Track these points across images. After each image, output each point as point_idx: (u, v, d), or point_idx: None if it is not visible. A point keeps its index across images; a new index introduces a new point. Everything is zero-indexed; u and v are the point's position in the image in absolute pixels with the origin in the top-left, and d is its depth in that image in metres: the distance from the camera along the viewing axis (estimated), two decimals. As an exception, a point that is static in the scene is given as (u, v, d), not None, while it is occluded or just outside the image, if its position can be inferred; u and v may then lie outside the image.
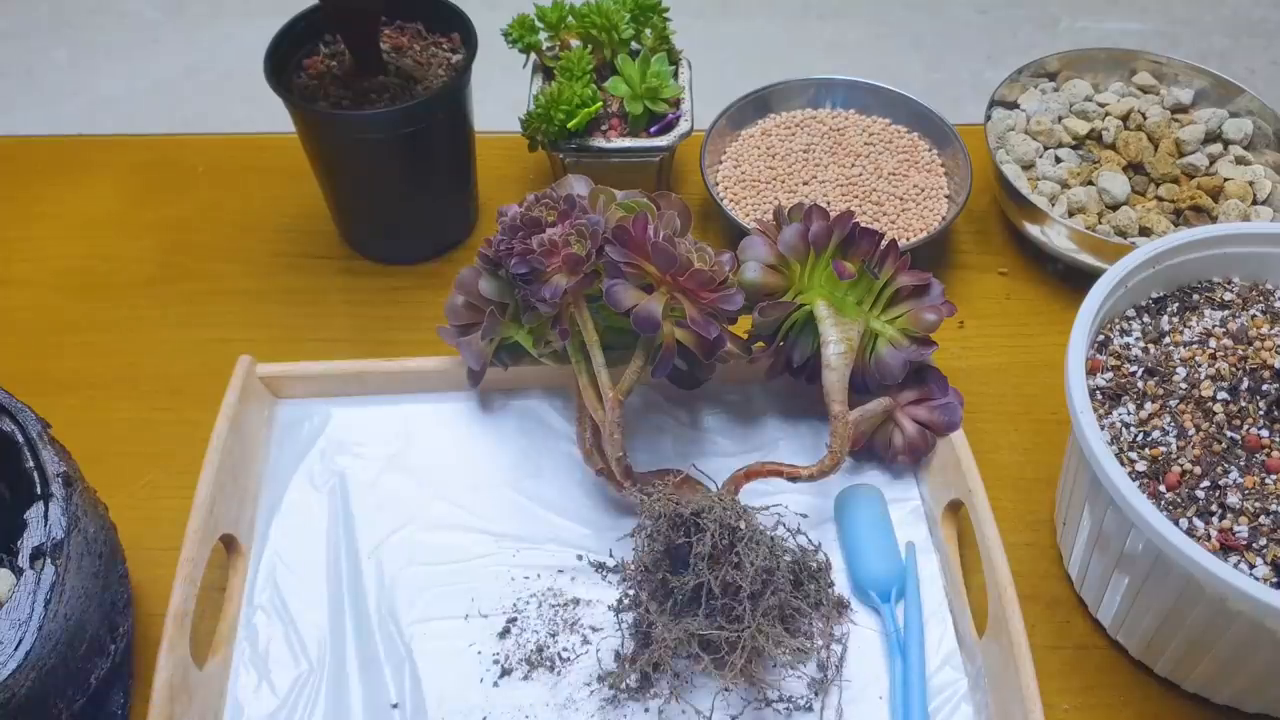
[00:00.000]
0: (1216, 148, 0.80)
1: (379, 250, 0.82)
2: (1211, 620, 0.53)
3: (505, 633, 0.61)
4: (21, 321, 0.79)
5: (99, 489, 0.59)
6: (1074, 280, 0.77)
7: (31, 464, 0.54)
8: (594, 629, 0.61)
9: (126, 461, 0.69)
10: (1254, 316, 0.61)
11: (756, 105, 0.86)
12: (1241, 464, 0.55)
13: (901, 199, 0.80)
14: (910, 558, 0.63)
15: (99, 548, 0.55)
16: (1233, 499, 0.54)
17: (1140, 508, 0.52)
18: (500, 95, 0.93)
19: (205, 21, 2.01)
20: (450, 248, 0.83)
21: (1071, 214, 0.78)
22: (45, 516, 0.52)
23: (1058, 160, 0.81)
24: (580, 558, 0.63)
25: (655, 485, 0.60)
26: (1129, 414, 0.58)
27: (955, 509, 0.64)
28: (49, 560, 0.50)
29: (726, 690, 0.57)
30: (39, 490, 0.53)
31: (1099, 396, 0.59)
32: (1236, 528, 0.53)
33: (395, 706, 0.58)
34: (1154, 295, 0.64)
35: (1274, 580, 0.52)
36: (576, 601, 0.62)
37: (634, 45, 0.83)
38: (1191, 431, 0.56)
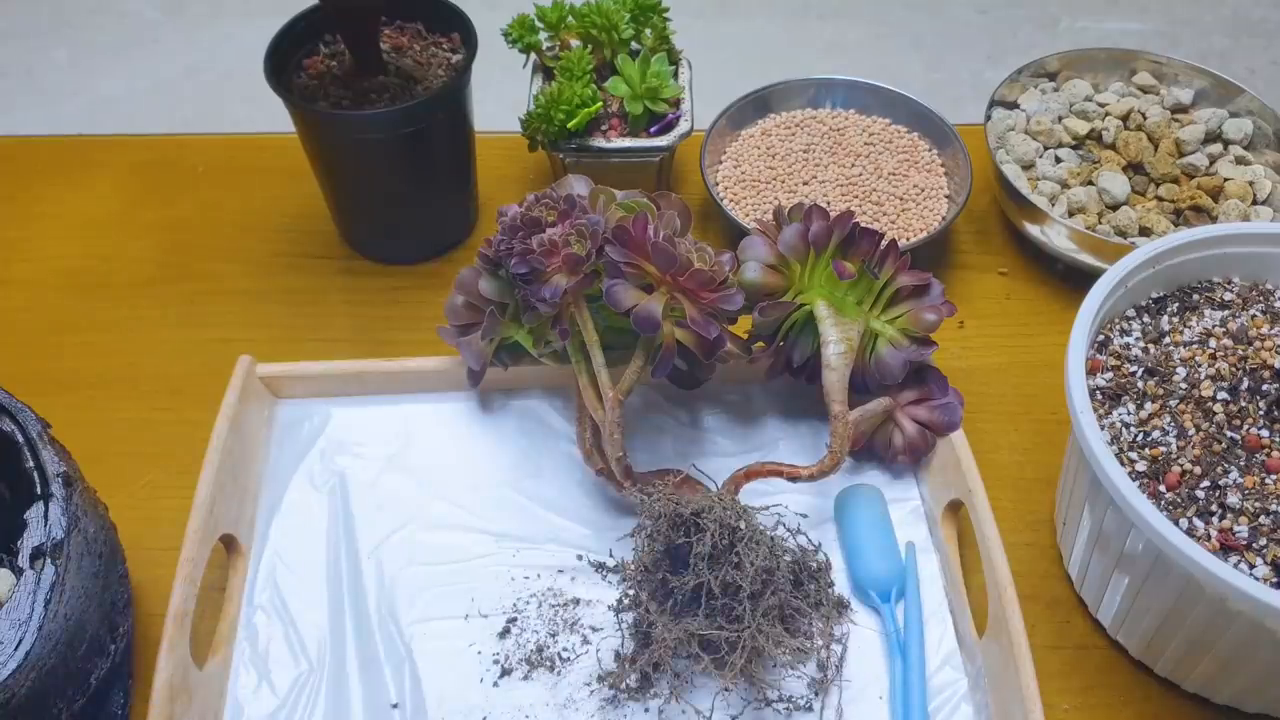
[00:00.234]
0: (1216, 148, 0.80)
1: (379, 250, 0.82)
2: (1211, 620, 0.53)
3: (505, 633, 0.61)
4: (21, 321, 0.79)
5: (99, 489, 0.59)
6: (1074, 280, 0.77)
7: (31, 464, 0.54)
8: (594, 629, 0.61)
9: (126, 461, 0.70)
10: (1254, 316, 0.61)
11: (756, 105, 0.86)
12: (1241, 464, 0.55)
13: (901, 199, 0.80)
14: (910, 558, 0.63)
15: (99, 548, 0.55)
16: (1233, 499, 0.54)
17: (1140, 508, 0.52)
18: (500, 95, 0.93)
19: (205, 21, 2.01)
20: (450, 248, 0.83)
21: (1071, 214, 0.78)
22: (45, 516, 0.52)
23: (1058, 160, 0.81)
24: (580, 558, 0.63)
25: (655, 485, 0.60)
26: (1129, 414, 0.58)
27: (955, 509, 0.64)
28: (49, 560, 0.50)
29: (726, 690, 0.57)
30: (39, 490, 0.53)
31: (1099, 396, 0.60)
32: (1236, 528, 0.53)
33: (395, 706, 0.58)
34: (1154, 295, 0.64)
35: (1274, 580, 0.52)
36: (576, 601, 0.62)
37: (634, 45, 0.83)
38: (1191, 431, 0.56)
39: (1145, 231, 0.76)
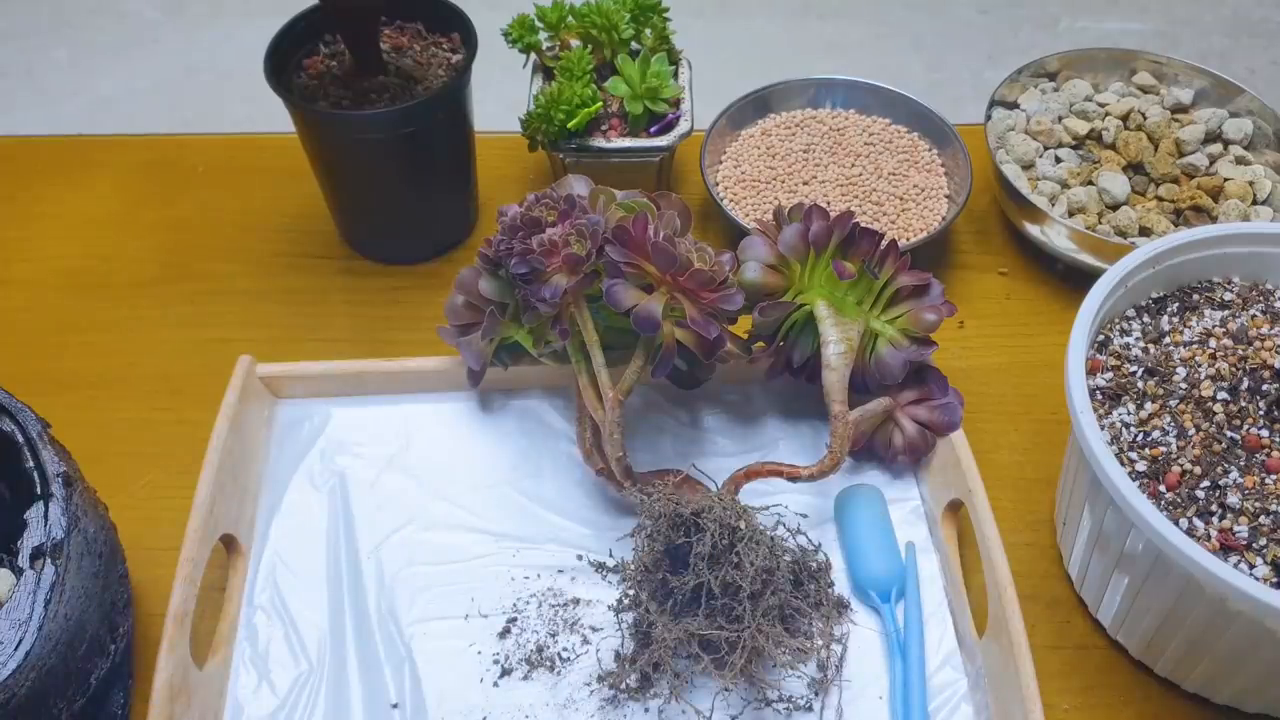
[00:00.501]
0: (1216, 148, 0.80)
1: (379, 250, 0.82)
2: (1211, 620, 0.53)
3: (505, 633, 0.61)
4: (21, 321, 0.79)
5: (99, 489, 0.59)
6: (1074, 280, 0.77)
7: (31, 464, 0.54)
8: (594, 629, 0.61)
9: (126, 461, 0.70)
10: (1254, 316, 0.61)
11: (756, 105, 0.86)
12: (1241, 464, 0.55)
13: (901, 199, 0.80)
14: (910, 558, 0.63)
15: (99, 548, 0.55)
16: (1233, 499, 0.54)
17: (1140, 508, 0.52)
18: (500, 95, 0.93)
19: (205, 21, 2.01)
20: (450, 248, 0.83)
21: (1071, 214, 0.78)
22: (45, 516, 0.52)
23: (1058, 160, 0.81)
24: (580, 558, 0.63)
25: (655, 485, 0.60)
26: (1129, 414, 0.58)
27: (955, 509, 0.64)
28: (49, 560, 0.50)
29: (726, 690, 0.57)
30: (39, 490, 0.53)
31: (1099, 396, 0.59)
32: (1236, 528, 0.53)
33: (395, 706, 0.58)
34: (1154, 295, 0.64)
35: (1274, 580, 0.52)
36: (576, 601, 0.62)
37: (634, 45, 0.83)
38: (1191, 431, 0.56)
39: (1145, 231, 0.76)
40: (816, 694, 0.58)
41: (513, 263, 0.60)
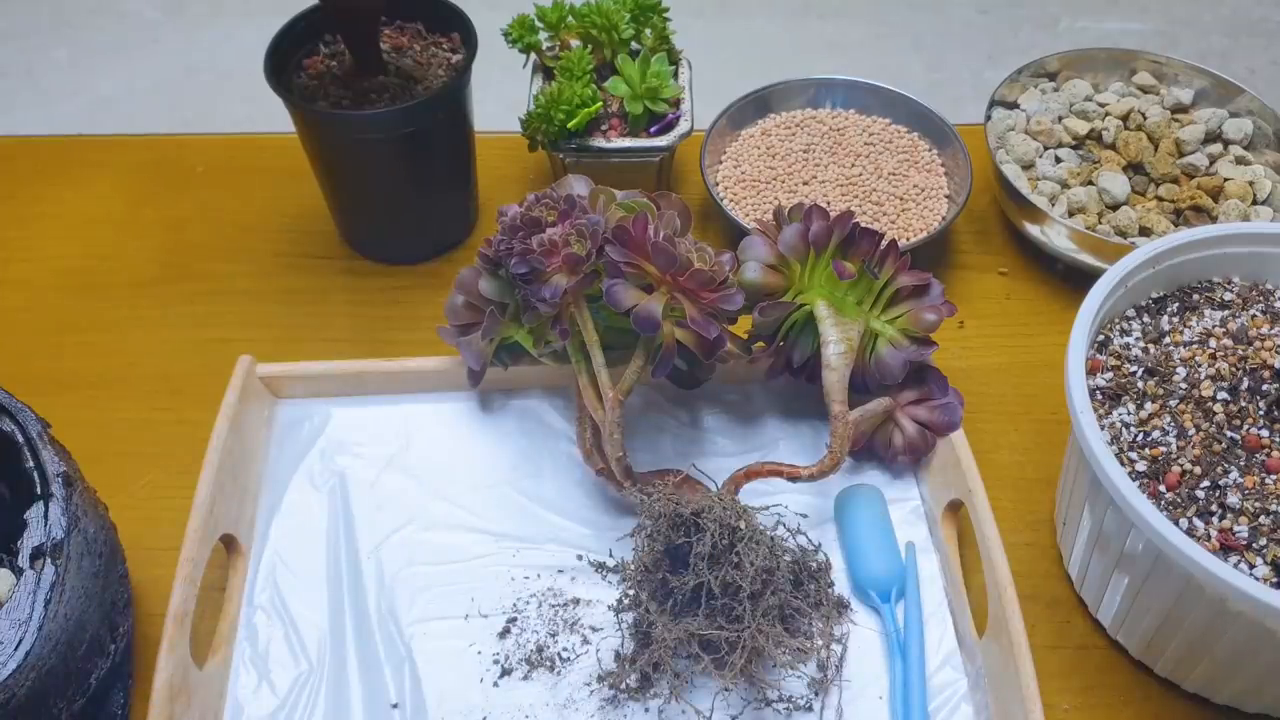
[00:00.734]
0: (1216, 148, 0.80)
1: (379, 250, 0.82)
2: (1211, 620, 0.53)
3: (505, 633, 0.61)
4: (21, 321, 0.79)
5: (99, 489, 0.59)
6: (1074, 280, 0.77)
7: (31, 464, 0.54)
8: (594, 629, 0.61)
9: (126, 461, 0.69)
10: (1254, 316, 0.61)
11: (756, 105, 0.86)
12: (1241, 464, 0.55)
13: (901, 199, 0.80)
14: (910, 558, 0.63)
15: (99, 548, 0.55)
16: (1233, 499, 0.54)
17: (1140, 508, 0.52)
18: (500, 95, 0.93)
19: (205, 21, 2.01)
20: (450, 248, 0.83)
21: (1071, 214, 0.78)
22: (45, 516, 0.52)
23: (1058, 160, 0.81)
24: (580, 558, 0.63)
25: (655, 485, 0.60)
26: (1129, 414, 0.58)
27: (955, 509, 0.64)
28: (49, 560, 0.50)
29: (726, 690, 0.57)
30: (39, 490, 0.53)
31: (1099, 396, 0.59)
32: (1236, 528, 0.53)
33: (395, 706, 0.58)
34: (1154, 295, 0.64)
35: (1274, 580, 0.52)
36: (576, 601, 0.62)
37: (634, 45, 0.83)
38: (1191, 431, 0.56)
39: (1145, 231, 0.76)
40: (816, 694, 0.58)
41: (513, 263, 0.60)
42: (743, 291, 0.62)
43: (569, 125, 0.77)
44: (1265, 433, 0.55)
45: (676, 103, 0.81)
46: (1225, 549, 0.53)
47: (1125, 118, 0.83)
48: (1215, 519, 0.54)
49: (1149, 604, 0.56)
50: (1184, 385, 0.58)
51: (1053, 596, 0.64)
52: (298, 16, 0.77)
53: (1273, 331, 0.59)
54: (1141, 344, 0.61)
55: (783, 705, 0.57)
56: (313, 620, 0.61)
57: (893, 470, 0.67)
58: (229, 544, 0.63)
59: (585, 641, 0.60)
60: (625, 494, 0.62)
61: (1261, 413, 0.56)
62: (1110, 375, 0.60)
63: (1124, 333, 0.62)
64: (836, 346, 0.62)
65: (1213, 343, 0.59)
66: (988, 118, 0.83)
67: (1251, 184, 0.77)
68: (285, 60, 0.76)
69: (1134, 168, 0.80)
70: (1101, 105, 0.84)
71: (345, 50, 0.76)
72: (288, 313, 0.79)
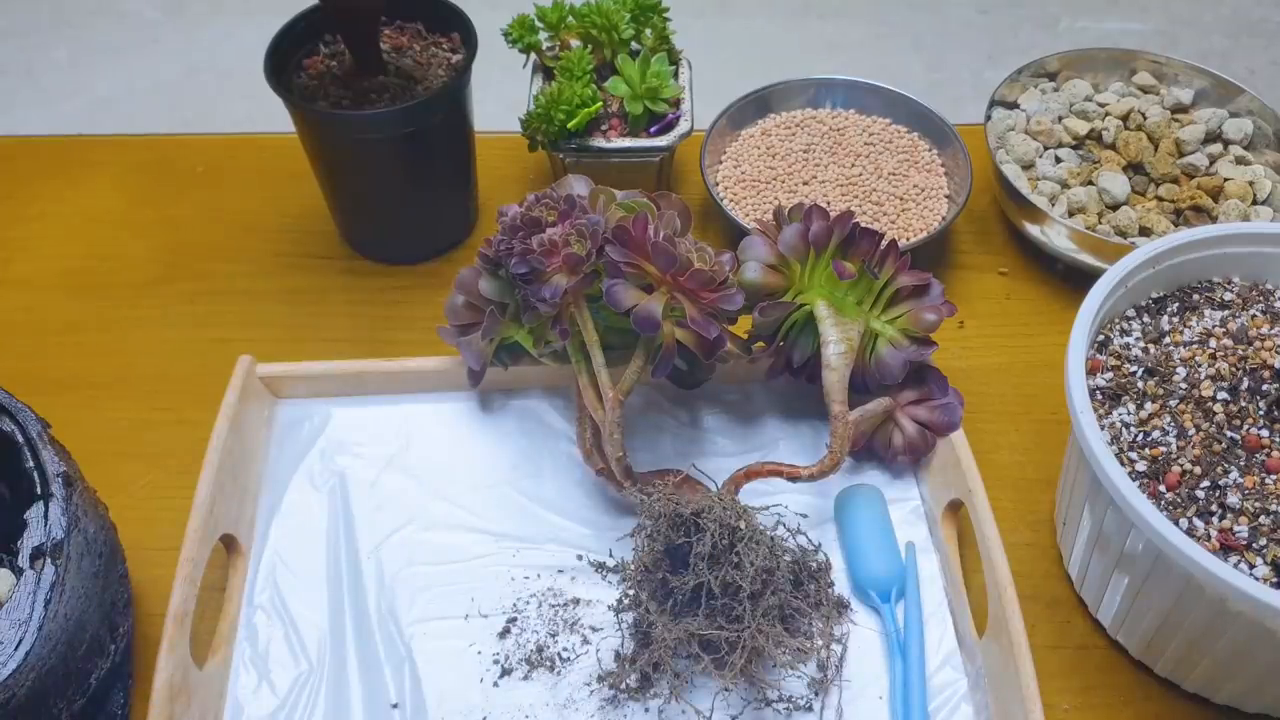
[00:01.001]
0: (1216, 148, 0.80)
1: (379, 250, 0.82)
2: (1211, 620, 0.53)
3: (505, 633, 0.61)
4: (21, 321, 0.79)
5: (99, 489, 0.59)
6: (1074, 280, 0.77)
7: (31, 464, 0.54)
8: (594, 629, 0.61)
9: (126, 461, 0.70)
10: (1254, 316, 0.61)
11: (756, 105, 0.86)
12: (1241, 464, 0.55)
13: (901, 199, 0.80)
14: (910, 558, 0.63)
15: (99, 548, 0.55)
16: (1233, 499, 0.54)
17: (1140, 508, 0.52)
18: (500, 95, 0.93)
19: (205, 21, 2.01)
20: (450, 248, 0.83)
21: (1071, 214, 0.78)
22: (45, 516, 0.52)
23: (1058, 160, 0.81)
24: (580, 558, 0.63)
25: (655, 485, 0.60)
26: (1129, 414, 0.58)
27: (955, 509, 0.64)
28: (49, 560, 0.50)
29: (726, 690, 0.57)
30: (39, 490, 0.53)
31: (1099, 396, 0.59)
32: (1236, 528, 0.53)
33: (395, 706, 0.58)
34: (1154, 295, 0.64)
35: (1274, 580, 0.52)
36: (576, 601, 0.62)
37: (634, 45, 0.83)
38: (1191, 431, 0.56)
39: (1145, 231, 0.76)
40: (816, 694, 0.58)
41: (513, 263, 0.60)
42: (743, 291, 0.62)
43: (569, 125, 0.77)
44: (1265, 433, 0.55)
45: (676, 103, 0.81)
46: (1225, 549, 0.53)
47: (1125, 118, 0.83)
48: (1215, 519, 0.54)
49: (1149, 604, 0.56)
50: (1184, 385, 0.58)
51: (1053, 596, 0.64)
52: (298, 16, 0.77)
53: (1273, 331, 0.59)
54: (1141, 344, 0.61)
55: (783, 705, 0.57)
56: (313, 620, 0.61)
57: (893, 470, 0.67)
58: (229, 544, 0.63)
59: (585, 641, 0.60)
60: (625, 494, 0.62)
61: (1261, 413, 0.56)
62: (1110, 375, 0.60)
63: (1124, 333, 0.62)
64: (836, 346, 0.62)
65: (1213, 343, 0.59)
66: (988, 118, 0.83)
67: (1251, 184, 0.77)
68: (285, 60, 0.76)
69: (1134, 168, 0.80)
70: (1101, 105, 0.84)
71: (345, 50, 0.76)
72: (288, 313, 0.79)
